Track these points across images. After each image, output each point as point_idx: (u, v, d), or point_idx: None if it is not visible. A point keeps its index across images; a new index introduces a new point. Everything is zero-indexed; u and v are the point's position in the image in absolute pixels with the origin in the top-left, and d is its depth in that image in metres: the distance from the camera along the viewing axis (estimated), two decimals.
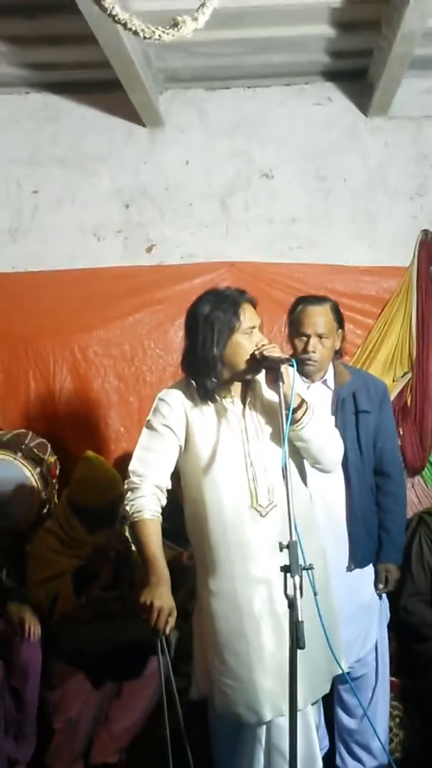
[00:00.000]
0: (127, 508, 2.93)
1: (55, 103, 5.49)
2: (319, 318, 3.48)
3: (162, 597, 2.82)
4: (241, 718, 2.87)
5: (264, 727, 2.88)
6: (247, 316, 2.88)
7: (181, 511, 3.12)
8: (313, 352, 3.47)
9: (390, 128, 5.45)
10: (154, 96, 5.19)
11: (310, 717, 2.94)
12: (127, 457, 5.09)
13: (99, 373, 5.28)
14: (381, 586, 3.59)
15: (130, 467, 2.99)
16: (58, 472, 4.69)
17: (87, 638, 3.58)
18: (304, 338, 3.46)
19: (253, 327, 2.89)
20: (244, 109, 5.47)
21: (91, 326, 5.29)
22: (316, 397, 3.41)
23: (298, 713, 2.64)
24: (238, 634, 2.87)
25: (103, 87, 5.26)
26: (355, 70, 5.28)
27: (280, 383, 2.73)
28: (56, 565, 3.71)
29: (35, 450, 4.57)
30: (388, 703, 3.65)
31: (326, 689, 3.09)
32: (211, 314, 2.86)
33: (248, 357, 2.86)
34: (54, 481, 4.58)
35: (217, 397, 2.93)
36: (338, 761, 3.59)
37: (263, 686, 2.83)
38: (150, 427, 3.01)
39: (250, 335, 2.87)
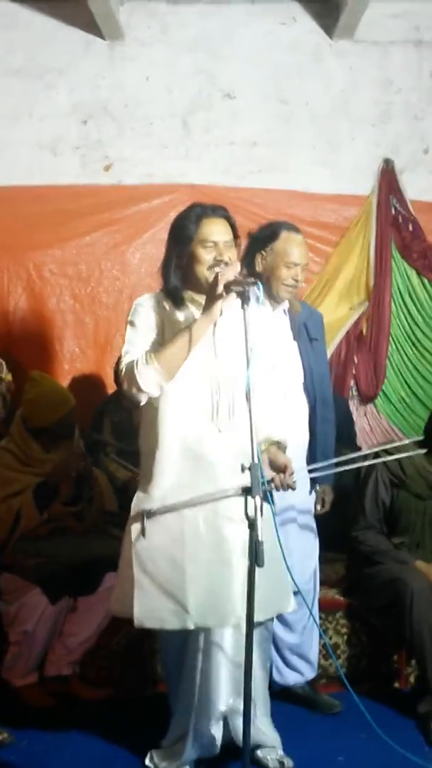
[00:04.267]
0: (140, 369, 2.78)
1: (12, 10, 5.30)
2: (303, 248, 3.49)
3: None
4: (164, 622, 2.86)
5: (202, 637, 2.91)
6: (208, 230, 2.90)
7: (137, 433, 3.11)
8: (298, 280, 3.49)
9: (355, 52, 5.38)
10: (115, 6, 5.06)
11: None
12: (81, 378, 5.12)
13: (54, 293, 5.20)
14: (320, 507, 3.68)
15: (123, 363, 2.88)
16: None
17: (45, 554, 3.61)
18: (292, 266, 3.43)
19: (214, 242, 2.89)
20: (208, 26, 5.35)
21: (47, 244, 5.20)
22: (280, 323, 3.48)
23: (229, 629, 2.86)
24: (176, 540, 2.87)
25: None
26: None
27: (245, 306, 2.71)
28: (16, 483, 3.71)
29: None
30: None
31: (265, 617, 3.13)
32: (177, 223, 2.98)
33: (205, 270, 2.87)
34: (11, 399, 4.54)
35: (190, 306, 2.93)
36: (276, 676, 3.62)
37: (192, 595, 2.83)
38: (132, 324, 2.96)
39: (208, 249, 2.89)
